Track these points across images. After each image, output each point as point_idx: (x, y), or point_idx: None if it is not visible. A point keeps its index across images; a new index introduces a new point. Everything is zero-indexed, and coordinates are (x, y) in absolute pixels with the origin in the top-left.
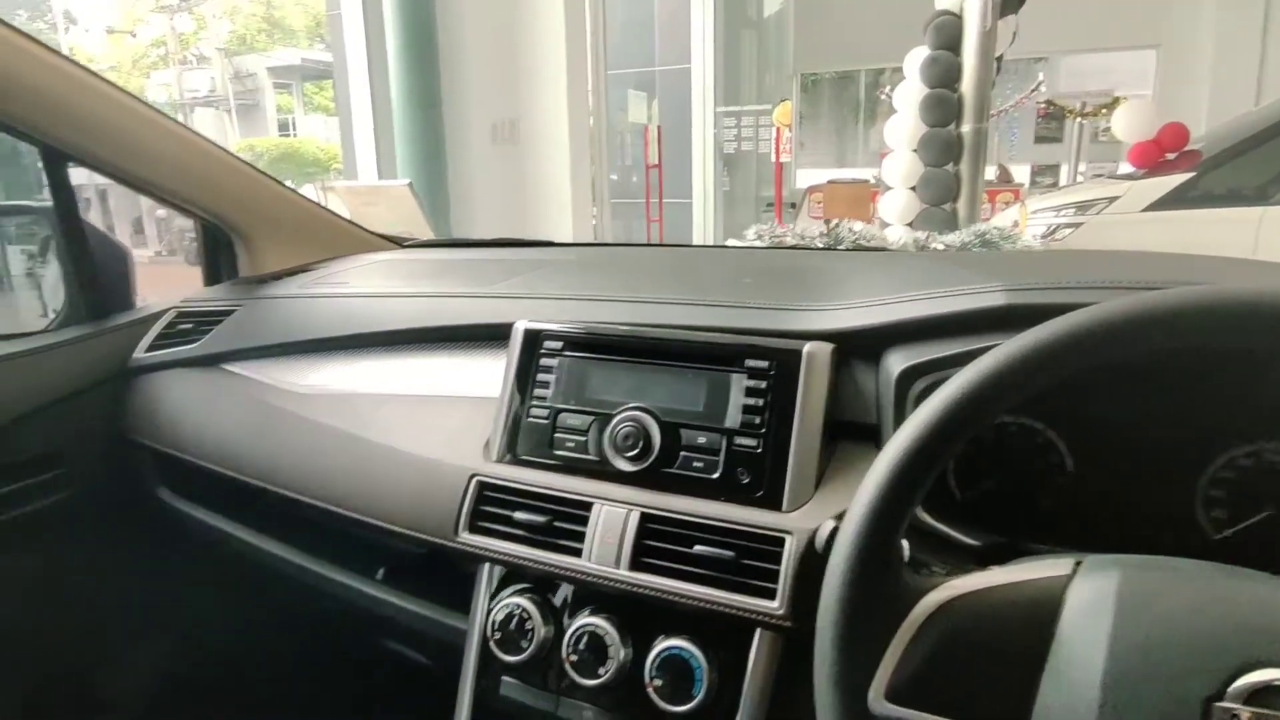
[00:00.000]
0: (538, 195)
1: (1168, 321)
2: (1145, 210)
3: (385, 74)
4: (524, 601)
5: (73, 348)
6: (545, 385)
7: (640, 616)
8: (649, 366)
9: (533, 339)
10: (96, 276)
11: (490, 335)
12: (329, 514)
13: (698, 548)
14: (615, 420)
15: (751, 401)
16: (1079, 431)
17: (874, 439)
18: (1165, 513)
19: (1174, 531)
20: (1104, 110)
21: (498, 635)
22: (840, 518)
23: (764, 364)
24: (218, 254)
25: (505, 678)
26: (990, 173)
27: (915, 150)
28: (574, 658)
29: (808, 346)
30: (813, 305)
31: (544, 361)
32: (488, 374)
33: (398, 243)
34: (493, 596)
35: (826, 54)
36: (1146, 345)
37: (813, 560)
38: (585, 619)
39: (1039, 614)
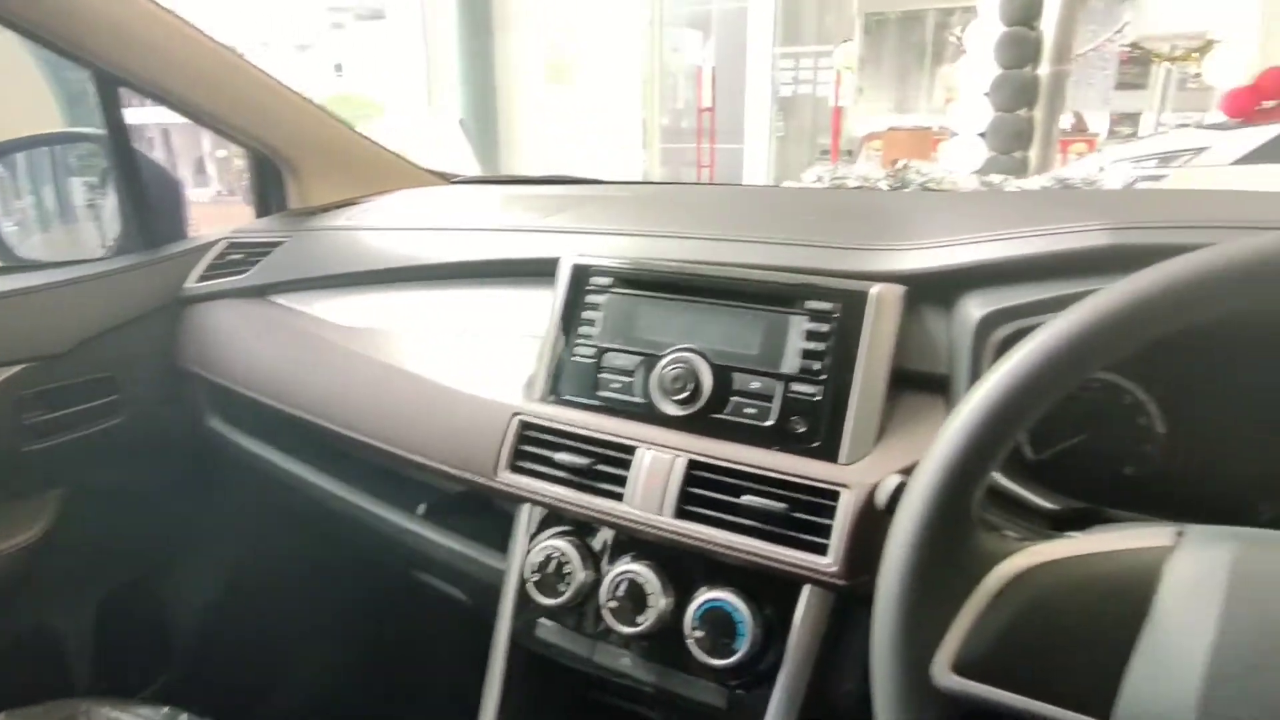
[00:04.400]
0: (587, 135)
1: None
2: (1236, 163)
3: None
4: (563, 544)
5: (126, 276)
6: (591, 323)
7: (683, 566)
8: (701, 306)
9: (580, 275)
10: (149, 206)
11: (538, 271)
12: (370, 449)
13: (746, 498)
14: (663, 362)
15: (811, 346)
16: (1175, 392)
17: (942, 391)
18: (1266, 482)
19: (1274, 503)
20: (1195, 54)
21: (535, 577)
22: (908, 473)
23: (827, 306)
24: (268, 186)
25: (542, 620)
26: (1064, 120)
27: (986, 94)
28: (613, 604)
29: (876, 288)
30: (881, 245)
31: (591, 298)
32: (534, 311)
33: (446, 179)
34: (532, 538)
35: None
36: None
37: (871, 516)
38: (625, 565)
39: (1133, 588)
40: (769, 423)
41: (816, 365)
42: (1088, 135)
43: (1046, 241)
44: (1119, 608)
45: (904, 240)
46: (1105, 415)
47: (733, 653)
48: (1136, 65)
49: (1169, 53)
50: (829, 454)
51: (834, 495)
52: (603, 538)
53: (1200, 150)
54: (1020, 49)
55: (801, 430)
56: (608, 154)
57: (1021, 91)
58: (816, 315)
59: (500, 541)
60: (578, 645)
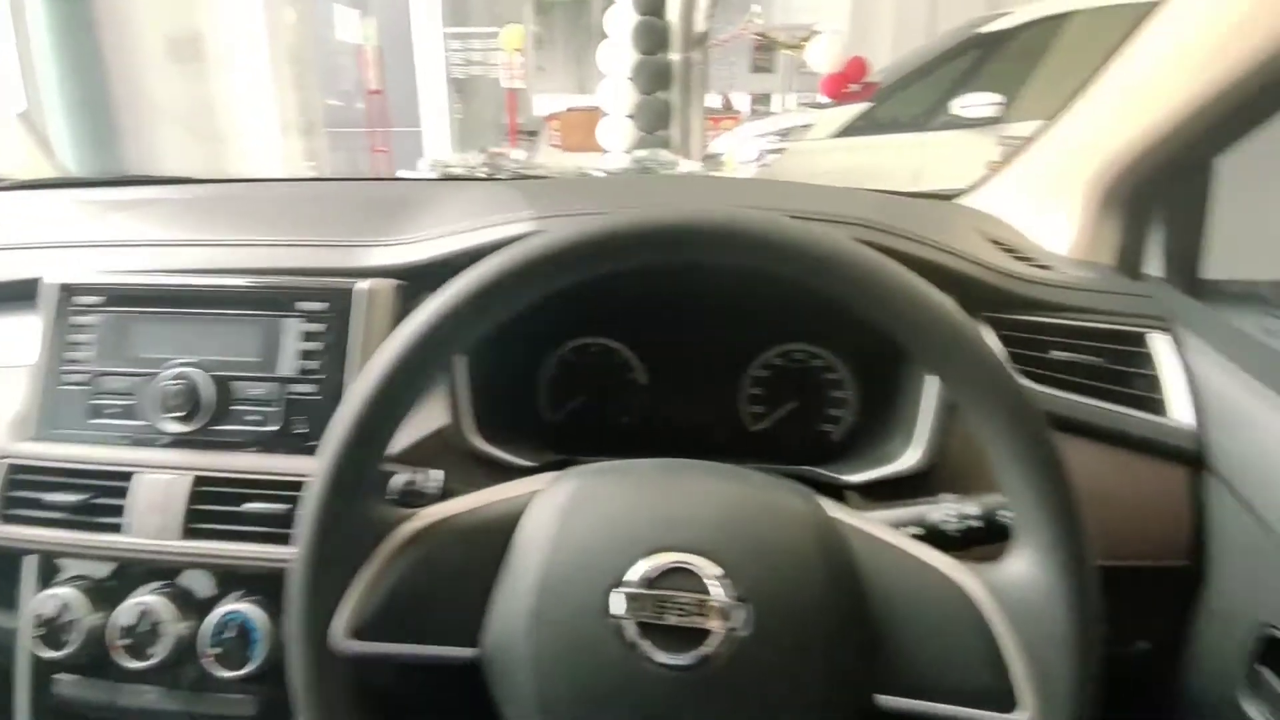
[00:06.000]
0: (233, 122)
1: (605, 242)
2: (832, 137)
3: None
4: (66, 591)
5: None
6: (83, 347)
7: (200, 586)
8: (199, 317)
9: (65, 295)
10: None
11: (18, 294)
12: None
13: (247, 505)
14: (161, 379)
15: (307, 347)
16: (648, 347)
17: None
18: (718, 413)
19: (725, 428)
20: (804, 43)
21: (41, 632)
22: (397, 460)
23: (318, 306)
24: None
25: (57, 675)
26: (716, 101)
27: (630, 78)
28: (125, 641)
29: (363, 284)
30: (383, 240)
31: (80, 320)
32: (20, 339)
33: None
34: (39, 589)
35: None
36: (591, 268)
37: None
38: (136, 599)
39: (502, 530)
40: (273, 428)
41: (313, 365)
42: (733, 113)
43: (491, 232)
44: (493, 549)
45: (410, 233)
46: (603, 374)
47: (248, 661)
48: (766, 52)
49: (787, 41)
50: None
51: None
52: (113, 574)
53: (808, 126)
54: (652, 36)
55: (303, 431)
56: (260, 142)
57: (658, 75)
58: (310, 316)
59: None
60: (98, 693)
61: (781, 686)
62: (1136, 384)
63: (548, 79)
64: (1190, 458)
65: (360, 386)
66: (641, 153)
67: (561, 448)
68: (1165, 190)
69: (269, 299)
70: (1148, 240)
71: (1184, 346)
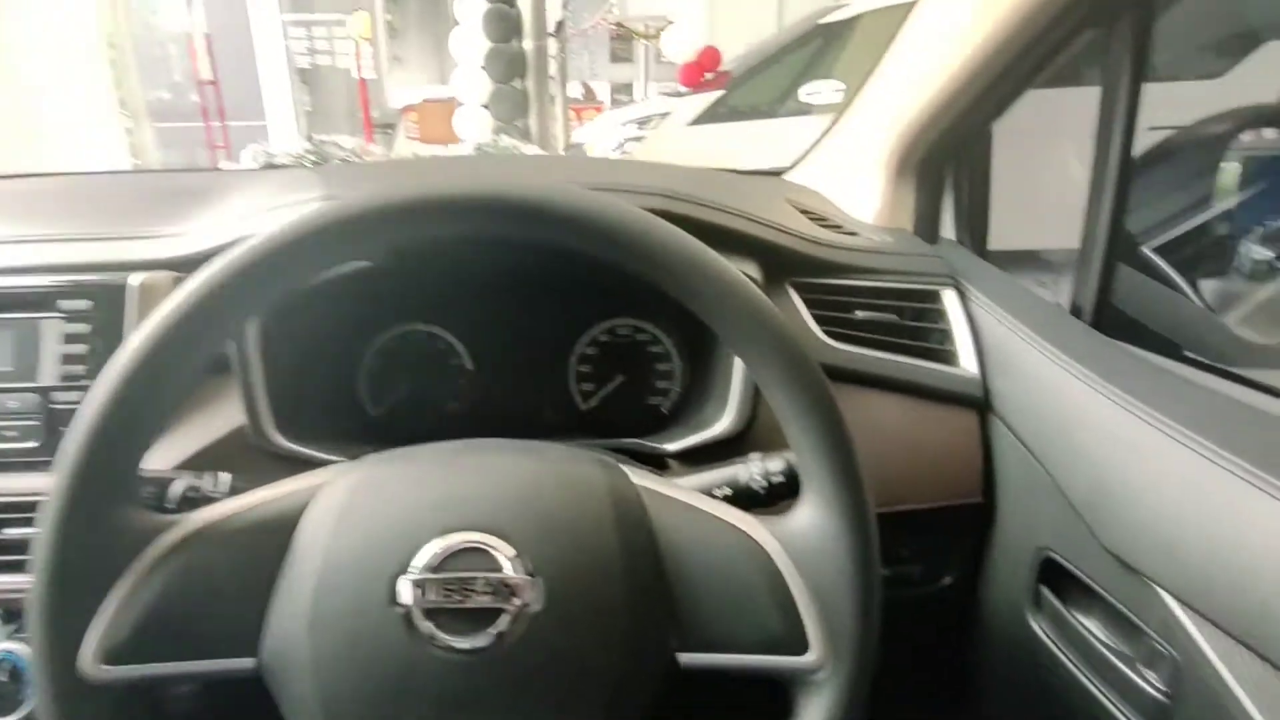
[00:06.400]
0: (37, 115)
1: (360, 220)
2: (690, 124)
3: None
4: None
5: None
6: None
7: None
8: None
9: None
10: None
11: None
12: None
13: (6, 531)
14: None
15: (72, 350)
16: (472, 331)
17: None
18: (548, 393)
19: (555, 409)
20: (661, 33)
21: None
22: (188, 467)
23: (83, 305)
24: None
25: None
26: (577, 90)
27: (483, 66)
28: None
29: (137, 278)
30: (164, 231)
31: None
32: None
33: None
34: None
35: None
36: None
37: None
38: None
39: (280, 529)
40: (32, 443)
41: (79, 370)
42: (596, 103)
43: (273, 216)
44: (270, 549)
45: (197, 222)
46: (426, 362)
47: (21, 704)
48: (625, 41)
49: (644, 31)
50: None
51: None
52: None
53: (666, 114)
54: (503, 24)
55: None
56: (71, 137)
57: (511, 64)
58: (73, 316)
59: None
60: None
61: (578, 658)
62: (931, 338)
63: (404, 69)
64: (977, 403)
65: (97, 390)
66: (485, 141)
67: (387, 441)
68: (952, 158)
69: (22, 299)
70: (942, 206)
71: (969, 301)
